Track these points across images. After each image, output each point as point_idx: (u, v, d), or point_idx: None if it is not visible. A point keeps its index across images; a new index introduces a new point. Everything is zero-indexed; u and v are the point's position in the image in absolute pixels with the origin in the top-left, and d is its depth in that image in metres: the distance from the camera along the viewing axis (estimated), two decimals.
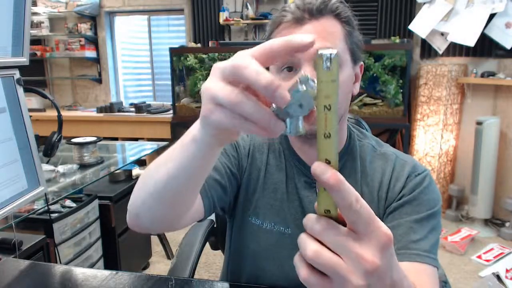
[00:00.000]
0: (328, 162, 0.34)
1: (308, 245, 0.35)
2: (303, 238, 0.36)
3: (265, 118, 0.35)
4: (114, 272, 0.84)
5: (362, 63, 0.80)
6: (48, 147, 1.34)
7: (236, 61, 0.35)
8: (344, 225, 0.35)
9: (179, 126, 3.60)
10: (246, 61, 0.34)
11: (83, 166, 1.90)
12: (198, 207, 0.72)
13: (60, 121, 1.27)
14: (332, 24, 0.72)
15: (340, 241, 0.34)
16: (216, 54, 3.36)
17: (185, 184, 0.52)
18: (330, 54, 0.33)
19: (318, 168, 0.34)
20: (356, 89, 0.80)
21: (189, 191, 0.55)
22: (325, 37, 0.70)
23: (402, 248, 0.69)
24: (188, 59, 3.41)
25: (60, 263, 1.60)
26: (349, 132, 0.84)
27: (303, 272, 0.36)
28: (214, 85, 0.36)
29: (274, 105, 0.36)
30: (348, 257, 0.34)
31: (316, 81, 0.34)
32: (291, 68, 0.73)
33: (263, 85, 0.33)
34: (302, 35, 0.35)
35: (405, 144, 3.26)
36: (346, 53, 0.73)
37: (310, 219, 0.36)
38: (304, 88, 0.35)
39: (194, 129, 0.46)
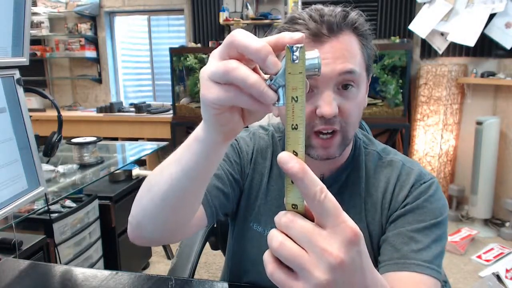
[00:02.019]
0: (295, 153, 0.35)
1: (274, 237, 0.35)
2: (271, 232, 0.36)
3: (258, 84, 0.35)
4: (114, 272, 0.84)
5: (372, 73, 0.78)
6: (48, 147, 1.34)
7: (231, 34, 0.37)
8: (312, 220, 0.35)
9: (179, 126, 3.60)
10: (240, 31, 0.36)
11: (83, 166, 1.90)
12: (200, 216, 0.71)
13: (60, 121, 1.27)
14: (351, 40, 0.68)
15: (304, 234, 0.34)
16: None
17: (189, 187, 0.52)
18: (298, 47, 0.34)
19: (283, 157, 0.34)
20: (366, 100, 0.76)
21: (192, 194, 0.54)
22: (348, 57, 0.66)
23: (402, 258, 0.67)
24: (188, 59, 3.41)
25: (60, 263, 1.60)
26: (354, 140, 0.81)
27: (269, 267, 0.36)
28: (209, 65, 0.39)
29: (267, 78, 0.37)
30: (312, 250, 0.33)
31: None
32: (309, 90, 0.71)
33: (255, 49, 0.35)
34: (293, 33, 0.36)
35: (405, 144, 3.26)
36: (363, 69, 0.70)
37: (278, 214, 0.36)
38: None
39: (197, 129, 0.47)
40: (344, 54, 0.66)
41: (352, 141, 0.80)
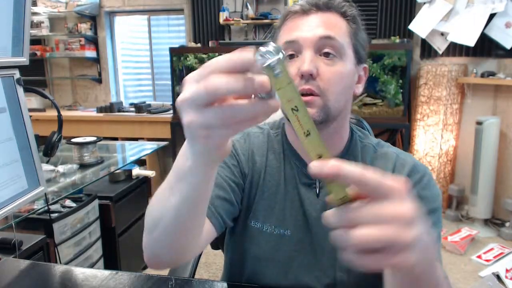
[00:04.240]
0: (320, 156, 0.35)
1: (350, 236, 0.35)
2: (339, 234, 0.36)
3: (239, 84, 0.34)
4: (114, 272, 0.84)
5: (366, 65, 0.81)
6: (48, 147, 1.34)
7: (203, 65, 0.36)
8: (362, 198, 0.36)
9: (179, 126, 3.60)
10: (211, 61, 0.36)
11: (83, 166, 1.90)
12: (209, 228, 0.72)
13: (60, 121, 1.27)
14: (336, 19, 0.74)
15: (374, 213, 0.35)
16: (216, 54, 3.36)
17: (194, 209, 0.53)
18: (275, 60, 0.33)
19: (314, 167, 0.35)
20: (359, 89, 0.80)
21: (199, 213, 0.55)
22: (330, 27, 0.72)
23: None
24: (188, 59, 3.41)
25: (60, 263, 1.60)
26: (351, 133, 0.83)
27: (361, 261, 0.36)
28: (184, 92, 0.37)
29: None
30: (389, 222, 0.35)
31: (275, 48, 0.34)
32: (292, 55, 0.74)
33: (239, 58, 0.34)
34: (243, 53, 0.35)
35: (405, 144, 3.26)
36: (349, 48, 0.75)
37: (332, 215, 0.37)
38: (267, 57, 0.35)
39: (187, 158, 0.46)
40: (326, 24, 0.73)
41: (348, 134, 0.82)
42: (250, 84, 0.34)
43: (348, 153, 0.81)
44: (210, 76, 0.35)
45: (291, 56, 0.74)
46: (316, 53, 0.72)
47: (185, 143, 0.45)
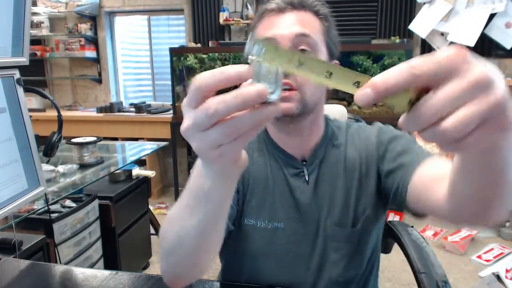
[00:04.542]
0: (357, 83, 0.33)
1: (442, 130, 0.31)
2: (429, 135, 0.32)
3: (238, 100, 0.34)
4: (114, 272, 0.84)
5: (338, 62, 0.86)
6: (48, 147, 1.34)
7: (193, 82, 0.36)
8: (427, 91, 0.32)
9: (179, 126, 3.59)
10: (199, 77, 0.36)
11: (83, 166, 1.90)
12: None
13: (60, 121, 1.26)
14: (310, 17, 0.79)
15: (450, 98, 0.31)
16: (216, 54, 3.36)
17: (218, 225, 0.53)
18: (254, 43, 0.34)
19: (359, 96, 0.32)
20: None
21: (221, 227, 0.56)
22: (305, 25, 0.77)
23: (412, 161, 0.75)
24: (188, 59, 3.40)
25: (60, 263, 1.60)
26: (326, 121, 0.89)
27: (464, 147, 0.32)
28: (185, 120, 0.38)
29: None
30: (470, 96, 0.30)
31: (260, 44, 0.34)
32: None
33: (226, 73, 0.35)
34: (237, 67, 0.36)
35: None
36: (323, 45, 0.80)
37: (410, 120, 0.33)
38: (256, 57, 0.35)
39: (206, 178, 0.46)
40: (302, 22, 0.77)
41: (323, 122, 0.88)
42: (248, 96, 0.34)
43: (327, 137, 0.87)
44: (206, 99, 0.36)
45: None
46: (293, 48, 0.76)
47: (199, 163, 0.46)
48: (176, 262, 0.58)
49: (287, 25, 0.77)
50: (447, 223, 0.60)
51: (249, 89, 0.34)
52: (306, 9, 0.79)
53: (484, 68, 0.31)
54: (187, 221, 0.51)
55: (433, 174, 0.66)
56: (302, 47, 0.76)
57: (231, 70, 0.35)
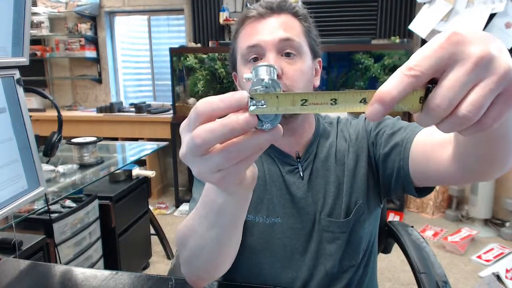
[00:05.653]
0: (363, 100, 0.33)
1: (459, 116, 0.31)
2: (450, 125, 0.32)
3: (226, 129, 0.34)
4: (114, 272, 0.84)
5: (320, 59, 0.88)
6: (48, 147, 1.34)
7: (193, 109, 0.36)
8: (435, 82, 0.32)
9: (179, 126, 3.58)
10: (198, 104, 0.36)
11: (83, 166, 1.90)
12: None
13: (60, 121, 1.26)
14: (290, 20, 0.80)
15: (456, 87, 0.31)
16: (216, 54, 3.36)
17: (237, 231, 0.57)
18: (255, 89, 0.34)
19: (370, 114, 0.32)
20: (317, 82, 0.87)
21: (240, 231, 0.59)
22: (287, 28, 0.78)
23: (407, 136, 0.76)
24: (188, 59, 3.40)
25: (60, 263, 1.60)
26: (317, 118, 0.92)
27: (485, 125, 0.32)
28: (182, 145, 0.37)
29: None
30: (476, 77, 0.30)
31: (260, 99, 0.34)
32: (256, 59, 0.79)
33: (224, 101, 0.35)
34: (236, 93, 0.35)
35: None
36: (306, 46, 0.81)
37: (426, 117, 0.32)
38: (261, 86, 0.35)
39: (218, 195, 0.47)
40: (284, 26, 0.78)
41: (314, 119, 0.90)
42: (237, 126, 0.34)
43: (319, 134, 0.89)
44: (197, 126, 0.35)
45: (255, 60, 0.79)
46: (278, 54, 0.78)
47: None
48: (198, 267, 0.62)
49: (270, 30, 0.77)
50: (454, 183, 0.63)
51: (238, 118, 0.34)
52: (285, 12, 0.80)
53: (480, 44, 0.31)
54: (205, 232, 0.54)
55: (433, 141, 0.68)
56: (288, 50, 0.78)
57: (232, 99, 0.34)
